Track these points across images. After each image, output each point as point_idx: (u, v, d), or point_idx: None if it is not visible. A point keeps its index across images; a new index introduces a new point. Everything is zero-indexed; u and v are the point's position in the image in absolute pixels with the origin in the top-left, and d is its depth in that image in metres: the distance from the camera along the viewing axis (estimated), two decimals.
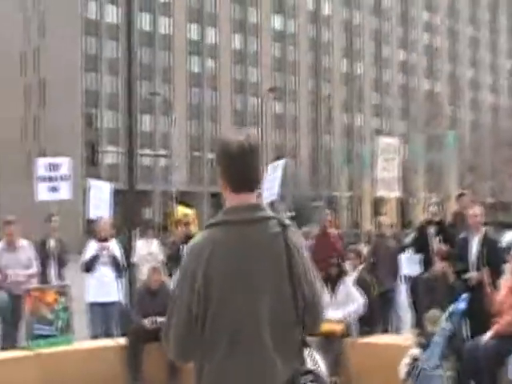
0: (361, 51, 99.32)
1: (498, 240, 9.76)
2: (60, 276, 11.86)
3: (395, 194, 13.19)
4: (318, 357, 2.98)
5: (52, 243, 11.91)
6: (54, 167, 12.30)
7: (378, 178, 12.91)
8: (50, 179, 12.18)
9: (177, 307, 2.93)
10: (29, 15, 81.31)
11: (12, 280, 10.54)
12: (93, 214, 13.77)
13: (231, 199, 2.96)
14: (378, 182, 13.00)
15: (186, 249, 3.04)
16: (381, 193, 13.02)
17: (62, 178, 12.26)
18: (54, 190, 12.20)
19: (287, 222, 2.98)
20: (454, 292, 8.97)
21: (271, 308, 2.85)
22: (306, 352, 2.95)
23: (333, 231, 12.54)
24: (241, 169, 2.93)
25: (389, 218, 12.72)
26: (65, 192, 12.29)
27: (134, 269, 12.43)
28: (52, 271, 11.84)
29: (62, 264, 12.06)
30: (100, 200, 14.04)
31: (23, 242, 11.12)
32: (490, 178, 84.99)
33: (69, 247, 12.98)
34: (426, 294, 9.33)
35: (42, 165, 12.38)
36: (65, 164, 12.39)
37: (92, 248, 11.01)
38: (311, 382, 2.84)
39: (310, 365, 2.92)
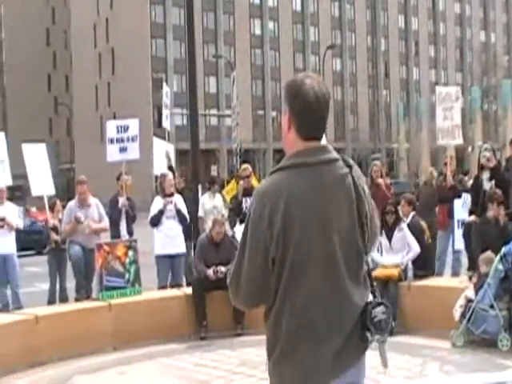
0: (416, 6, 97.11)
1: None
2: (129, 231, 11.96)
3: (458, 141, 12.78)
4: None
5: (121, 201, 12.00)
6: (122, 129, 12.30)
7: (438, 127, 12.54)
8: (119, 140, 12.20)
9: (250, 251, 2.80)
10: None
11: (87, 230, 10.71)
12: (157, 170, 13.82)
13: (298, 144, 2.87)
14: (438, 132, 12.62)
15: (256, 191, 2.87)
16: (442, 142, 12.67)
17: (130, 139, 12.25)
18: (123, 150, 12.22)
19: (351, 161, 2.94)
20: (507, 234, 8.75)
21: (345, 244, 2.83)
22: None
23: (382, 181, 12.31)
24: (314, 118, 2.87)
25: (449, 165, 12.31)
26: (133, 152, 12.28)
27: (199, 222, 12.45)
28: (122, 227, 11.95)
29: (131, 220, 12.16)
30: (161, 158, 14.07)
31: (94, 200, 11.26)
32: None
33: (142, 205, 13.04)
34: (478, 238, 9.11)
35: (111, 127, 12.40)
36: (133, 125, 12.36)
37: (158, 203, 11.03)
38: (383, 313, 2.86)
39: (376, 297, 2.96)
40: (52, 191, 11.98)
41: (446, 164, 12.26)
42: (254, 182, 12.12)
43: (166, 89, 16.68)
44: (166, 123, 15.71)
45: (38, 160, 11.91)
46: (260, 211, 2.79)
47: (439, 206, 12.22)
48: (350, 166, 2.91)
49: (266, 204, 2.78)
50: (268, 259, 2.78)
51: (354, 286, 2.86)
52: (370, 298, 2.95)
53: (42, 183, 11.84)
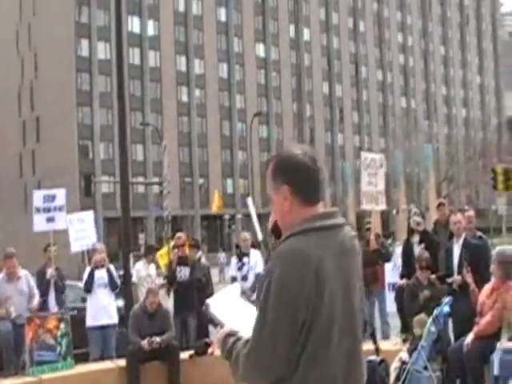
0: (340, 74, 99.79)
1: (478, 244, 9.66)
2: (59, 302, 11.73)
3: (381, 207, 13.08)
4: None
5: (50, 272, 11.81)
6: (49, 198, 12.26)
7: (363, 192, 12.83)
8: (46, 210, 12.12)
9: (276, 315, 2.71)
10: (23, 52, 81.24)
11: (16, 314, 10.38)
12: (74, 247, 13.71)
13: (307, 212, 2.87)
14: (363, 197, 12.90)
15: (279, 255, 2.80)
16: (366, 206, 12.95)
17: (57, 209, 12.21)
18: (50, 220, 12.16)
19: None
20: (438, 296, 8.93)
21: (358, 305, 2.91)
22: None
23: None
24: (316, 181, 2.92)
25: (373, 230, 12.57)
26: (60, 222, 12.28)
27: (133, 289, 12.31)
28: (51, 299, 11.72)
29: (60, 291, 11.94)
30: (83, 231, 13.94)
31: (23, 272, 11.01)
32: (465, 187, 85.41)
33: (68, 275, 12.88)
34: (410, 301, 9.26)
35: (38, 196, 12.35)
36: (60, 195, 12.38)
37: (88, 273, 10.93)
38: (383, 369, 2.98)
39: None
40: None
41: (368, 230, 12.49)
42: (186, 250, 12.04)
43: None
44: None
45: None
46: (289, 273, 2.73)
47: (363, 269, 12.30)
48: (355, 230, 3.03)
49: (294, 265, 2.73)
50: (297, 323, 2.72)
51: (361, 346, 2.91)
52: (374, 356, 3.01)
53: None
